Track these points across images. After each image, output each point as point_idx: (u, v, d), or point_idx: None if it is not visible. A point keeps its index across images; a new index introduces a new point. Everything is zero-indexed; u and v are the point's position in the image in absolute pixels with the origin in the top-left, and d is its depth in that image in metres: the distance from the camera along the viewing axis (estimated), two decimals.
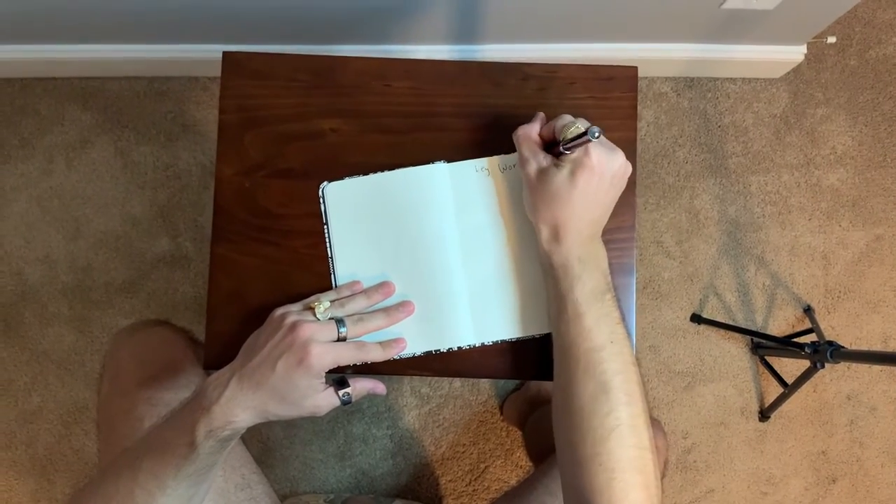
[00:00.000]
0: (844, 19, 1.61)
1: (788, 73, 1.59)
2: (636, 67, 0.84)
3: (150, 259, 1.54)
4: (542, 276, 0.75)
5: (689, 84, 1.60)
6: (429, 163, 0.82)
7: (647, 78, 1.60)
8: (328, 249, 0.81)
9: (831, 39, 1.56)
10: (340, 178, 0.82)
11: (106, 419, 0.94)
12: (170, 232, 1.55)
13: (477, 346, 0.81)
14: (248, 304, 0.81)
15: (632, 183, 0.83)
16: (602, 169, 0.70)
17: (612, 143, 0.72)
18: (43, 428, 1.52)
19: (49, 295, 1.53)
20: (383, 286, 0.79)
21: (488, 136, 0.83)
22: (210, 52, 1.43)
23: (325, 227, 0.81)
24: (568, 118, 0.73)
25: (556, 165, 0.71)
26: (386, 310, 0.77)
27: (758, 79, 1.60)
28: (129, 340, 1.02)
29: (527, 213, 0.78)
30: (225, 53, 0.84)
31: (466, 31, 1.38)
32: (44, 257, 1.54)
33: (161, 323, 1.08)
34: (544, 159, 0.73)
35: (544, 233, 0.72)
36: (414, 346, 0.80)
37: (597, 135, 0.66)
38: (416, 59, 0.85)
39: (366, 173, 0.82)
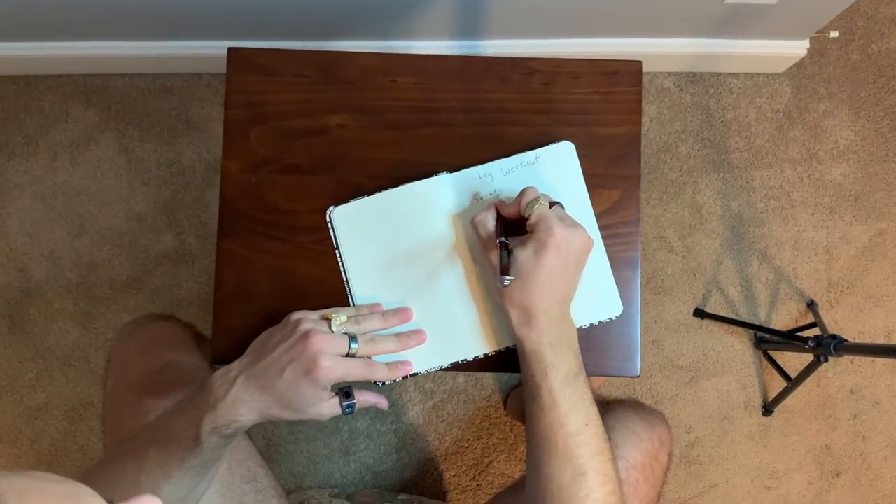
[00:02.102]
0: (847, 14, 1.61)
1: (791, 67, 1.59)
2: (640, 62, 0.85)
3: (154, 255, 1.55)
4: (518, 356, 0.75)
5: (691, 79, 1.60)
6: (434, 161, 0.83)
7: (649, 73, 1.60)
8: (342, 273, 0.81)
9: (834, 34, 1.56)
10: (347, 176, 0.83)
11: (111, 414, 0.95)
12: (174, 228, 1.55)
13: (492, 354, 0.81)
14: (254, 298, 0.82)
15: (636, 178, 0.84)
16: (565, 247, 0.70)
17: (573, 219, 0.73)
18: (48, 424, 1.53)
19: (54, 291, 1.54)
20: (401, 312, 0.79)
21: (494, 131, 0.84)
22: (214, 49, 1.43)
23: (337, 251, 0.81)
24: (531, 194, 0.74)
25: (521, 244, 0.72)
26: (398, 335, 0.78)
27: (760, 74, 1.60)
28: (135, 335, 1.02)
29: (494, 296, 0.79)
30: (230, 49, 0.84)
31: (470, 27, 1.38)
32: (48, 254, 1.54)
33: (166, 317, 1.09)
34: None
35: (514, 317, 0.73)
36: (427, 363, 0.80)
37: (506, 283, 0.69)
38: (421, 54, 0.85)
39: (372, 174, 0.82)
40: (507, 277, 0.69)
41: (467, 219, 0.80)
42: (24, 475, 0.37)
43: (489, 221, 0.76)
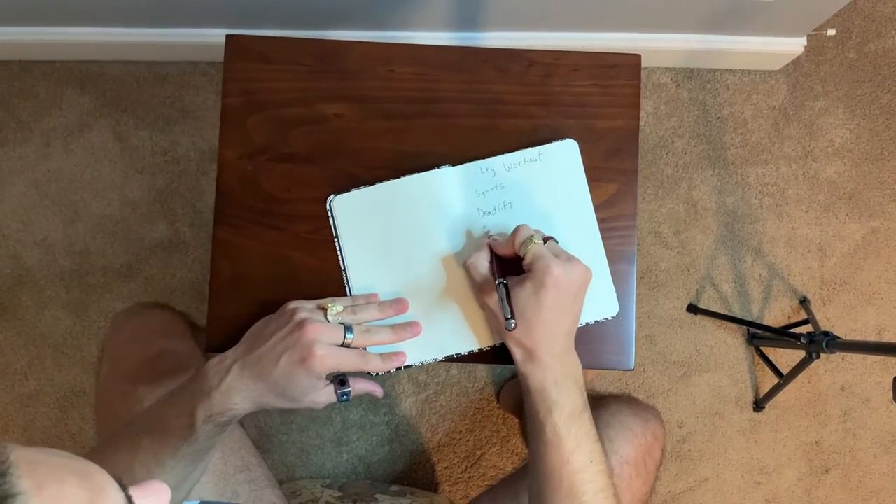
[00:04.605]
0: (844, 12, 1.61)
1: (788, 65, 1.60)
2: (639, 55, 0.84)
3: (147, 244, 1.54)
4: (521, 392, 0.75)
5: (688, 75, 1.60)
6: (432, 152, 0.82)
7: (646, 68, 1.60)
8: (340, 262, 0.81)
9: (831, 32, 1.56)
10: (344, 166, 0.82)
11: (105, 402, 0.95)
12: (168, 217, 1.54)
13: (488, 349, 0.81)
14: (250, 287, 0.82)
15: (634, 172, 0.84)
16: (565, 283, 0.70)
17: (568, 254, 0.73)
18: (40, 412, 1.52)
19: (46, 279, 1.53)
20: (397, 302, 0.79)
21: (492, 123, 0.83)
22: (210, 37, 1.43)
23: (336, 239, 0.81)
24: (525, 232, 0.73)
25: (519, 284, 0.71)
26: (393, 327, 0.78)
27: (757, 70, 1.61)
28: (128, 323, 1.02)
29: (495, 333, 0.79)
30: (228, 37, 0.84)
31: (469, 18, 1.38)
32: (41, 241, 1.53)
33: (159, 306, 1.09)
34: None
35: (517, 353, 0.73)
36: (421, 355, 0.80)
37: (512, 327, 0.68)
38: (420, 44, 0.85)
39: (369, 164, 0.82)
40: (513, 321, 0.68)
41: (469, 209, 0.81)
42: (36, 449, 0.37)
43: (482, 264, 0.76)
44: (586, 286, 0.73)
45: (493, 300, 0.73)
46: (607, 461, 0.72)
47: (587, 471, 0.70)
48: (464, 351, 0.80)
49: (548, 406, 0.70)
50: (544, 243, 0.73)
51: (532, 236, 0.72)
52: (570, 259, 0.72)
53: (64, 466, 0.37)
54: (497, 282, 0.72)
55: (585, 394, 0.73)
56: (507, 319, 0.68)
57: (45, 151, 1.54)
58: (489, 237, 0.79)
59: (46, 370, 1.52)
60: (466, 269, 0.78)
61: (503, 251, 0.76)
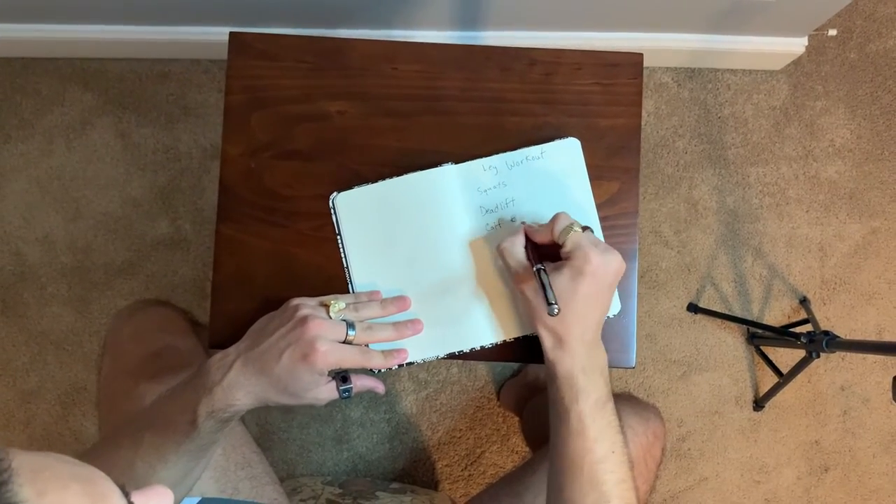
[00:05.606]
0: (845, 12, 1.62)
1: (789, 65, 1.60)
2: (641, 54, 0.85)
3: (149, 241, 1.54)
4: (546, 379, 0.76)
5: (689, 75, 1.61)
6: (434, 149, 0.83)
7: (648, 68, 1.60)
8: (343, 259, 0.81)
9: (832, 32, 1.56)
10: (347, 163, 0.83)
11: (107, 398, 0.95)
12: (169, 214, 1.55)
13: (490, 346, 0.81)
14: (252, 283, 0.82)
15: (635, 170, 0.84)
16: (602, 272, 0.70)
17: (605, 244, 0.73)
18: (41, 408, 1.53)
19: (48, 275, 1.53)
20: (399, 300, 0.79)
21: (494, 121, 0.84)
22: (213, 35, 1.43)
23: (339, 237, 0.82)
24: (564, 220, 0.73)
25: (556, 270, 0.71)
26: (395, 324, 0.78)
27: (758, 70, 1.61)
28: (130, 320, 1.02)
29: (525, 319, 0.79)
30: (232, 34, 0.84)
31: (471, 17, 1.38)
32: (43, 238, 1.54)
33: (161, 303, 1.09)
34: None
35: (547, 340, 0.73)
36: (423, 352, 0.80)
37: (556, 312, 0.68)
38: (423, 42, 0.85)
39: (372, 161, 0.82)
40: (556, 307, 0.68)
41: (471, 207, 0.81)
42: (39, 454, 0.37)
43: (517, 249, 0.76)
44: (620, 277, 0.73)
45: (529, 286, 0.73)
46: (628, 452, 0.72)
47: (609, 460, 0.70)
48: (465, 348, 0.81)
49: (574, 393, 0.71)
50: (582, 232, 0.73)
51: (572, 224, 0.72)
52: (607, 249, 0.72)
53: (66, 472, 0.37)
54: (536, 268, 0.71)
55: (610, 384, 0.73)
56: (549, 304, 0.68)
57: (48, 148, 1.54)
58: (523, 223, 0.79)
59: (48, 367, 1.53)
60: (500, 252, 0.77)
61: (540, 238, 0.75)
